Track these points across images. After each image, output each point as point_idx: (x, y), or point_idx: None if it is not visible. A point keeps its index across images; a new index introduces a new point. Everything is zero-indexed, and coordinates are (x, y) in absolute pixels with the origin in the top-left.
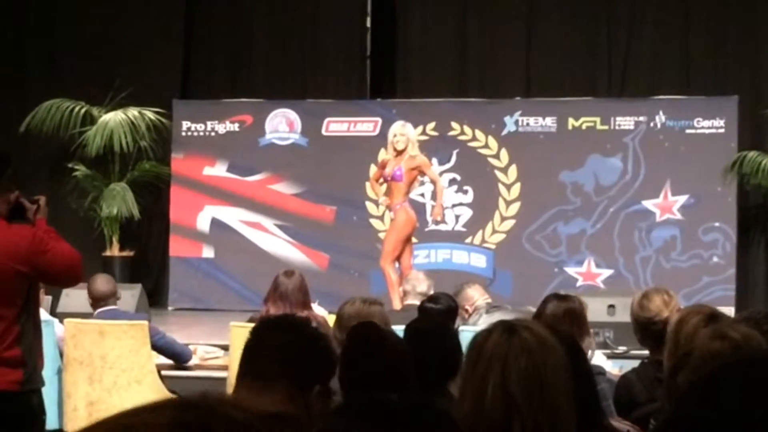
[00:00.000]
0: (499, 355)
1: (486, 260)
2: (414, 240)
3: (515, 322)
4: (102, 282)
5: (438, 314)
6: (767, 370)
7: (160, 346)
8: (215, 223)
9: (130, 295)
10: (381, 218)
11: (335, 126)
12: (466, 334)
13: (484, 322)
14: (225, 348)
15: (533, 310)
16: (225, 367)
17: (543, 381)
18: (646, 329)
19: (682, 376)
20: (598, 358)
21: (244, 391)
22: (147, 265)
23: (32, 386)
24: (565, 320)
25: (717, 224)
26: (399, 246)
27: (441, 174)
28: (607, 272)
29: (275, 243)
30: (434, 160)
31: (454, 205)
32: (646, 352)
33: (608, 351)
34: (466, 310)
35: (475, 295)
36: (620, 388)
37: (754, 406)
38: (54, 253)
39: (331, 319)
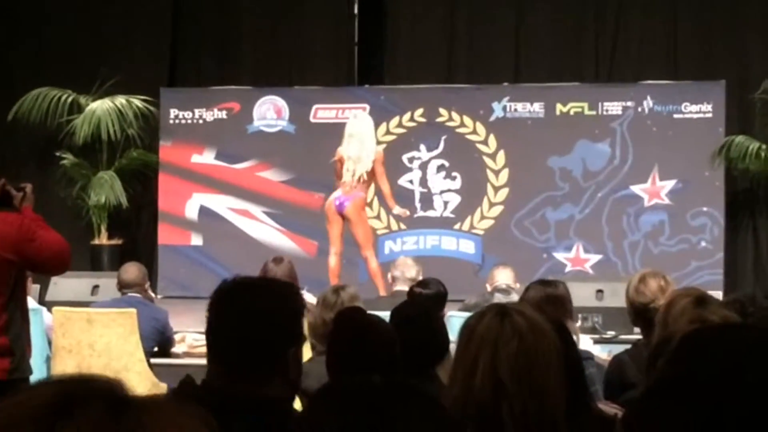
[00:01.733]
0: (490, 339)
1: (474, 246)
2: (403, 226)
3: (508, 305)
4: (127, 270)
5: (426, 299)
6: (734, 334)
7: (165, 338)
8: (204, 211)
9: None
10: (370, 205)
11: (323, 113)
12: (456, 319)
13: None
14: None
15: None
16: None
17: (533, 365)
18: (641, 313)
19: (661, 362)
20: (584, 343)
21: (217, 379)
22: (135, 253)
23: (20, 375)
24: (546, 306)
25: (705, 209)
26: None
27: (429, 160)
28: (595, 257)
29: (264, 230)
30: (422, 147)
31: (442, 191)
32: (635, 337)
33: (597, 336)
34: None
35: (496, 275)
36: (612, 368)
37: (719, 367)
38: (41, 242)
39: None
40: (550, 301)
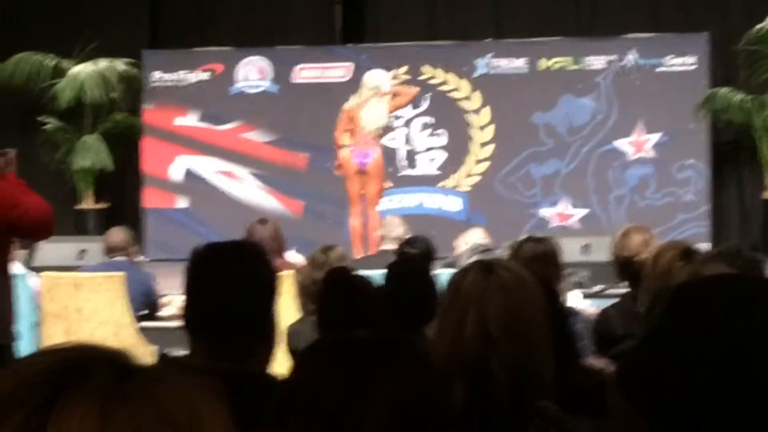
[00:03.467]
0: (477, 294)
1: (460, 203)
2: (389, 184)
3: (493, 261)
4: (113, 234)
5: (415, 257)
6: (728, 285)
7: (153, 302)
8: (189, 173)
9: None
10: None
11: (306, 72)
12: (444, 277)
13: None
14: None
15: None
16: None
17: (520, 319)
18: (625, 267)
19: (655, 315)
20: (572, 299)
21: (198, 356)
22: (121, 217)
23: (1, 341)
24: (538, 263)
25: (690, 161)
26: None
27: (413, 118)
28: (581, 212)
29: (249, 191)
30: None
31: (427, 149)
32: (622, 291)
33: (584, 290)
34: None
35: (470, 235)
36: (599, 322)
37: (708, 319)
38: (25, 207)
39: None
40: (541, 259)
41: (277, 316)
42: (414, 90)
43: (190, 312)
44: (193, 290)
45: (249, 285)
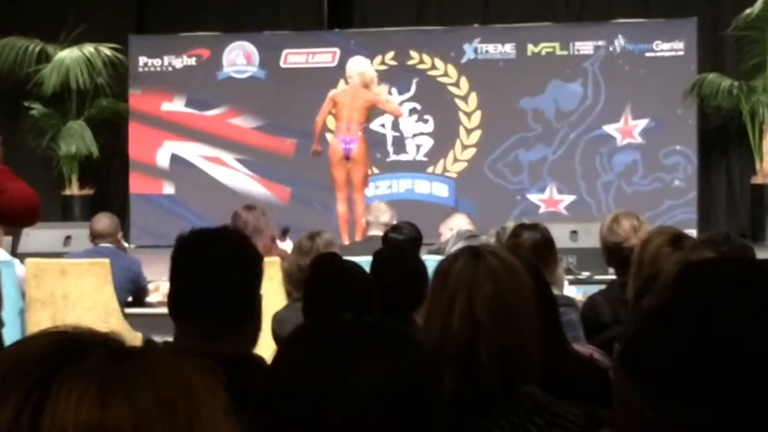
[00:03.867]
0: (465, 280)
1: (448, 189)
2: (375, 170)
3: (482, 247)
4: (98, 220)
5: (402, 244)
6: (730, 266)
7: (139, 288)
8: (175, 159)
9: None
10: None
11: (293, 58)
12: (431, 263)
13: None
14: None
15: None
16: None
17: (509, 305)
18: (614, 253)
19: (648, 300)
20: (568, 289)
21: (185, 340)
22: (107, 203)
23: None
24: (538, 250)
25: (678, 147)
26: None
27: (401, 104)
28: (569, 198)
29: (236, 177)
30: (394, 90)
31: (414, 135)
32: (609, 278)
33: (571, 277)
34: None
35: (454, 221)
36: (587, 309)
37: (707, 299)
38: (11, 193)
39: None
40: (540, 246)
41: (262, 299)
42: (401, 111)
43: (174, 296)
44: (178, 275)
45: (233, 267)
